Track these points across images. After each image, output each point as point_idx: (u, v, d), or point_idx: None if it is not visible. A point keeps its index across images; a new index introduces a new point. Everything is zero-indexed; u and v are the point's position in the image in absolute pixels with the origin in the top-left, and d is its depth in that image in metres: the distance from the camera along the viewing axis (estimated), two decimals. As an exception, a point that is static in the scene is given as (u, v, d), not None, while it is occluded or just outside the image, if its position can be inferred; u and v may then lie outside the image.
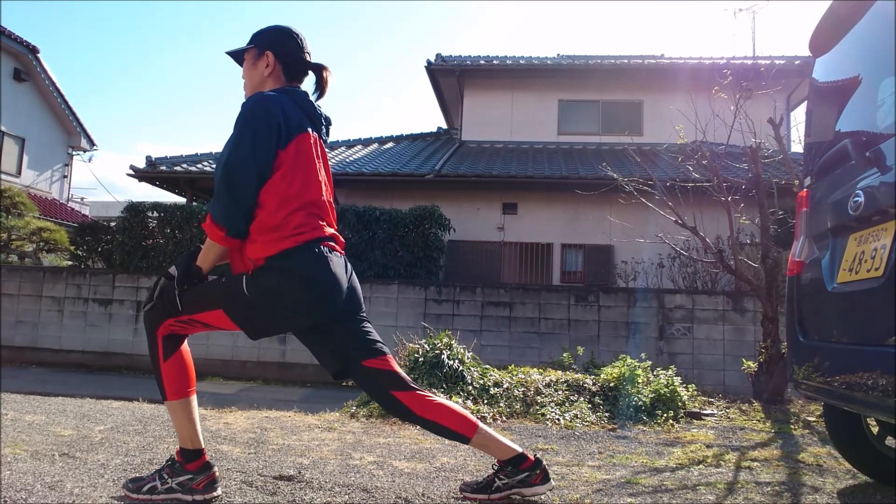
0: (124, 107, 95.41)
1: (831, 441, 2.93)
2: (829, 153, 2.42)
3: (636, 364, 4.77)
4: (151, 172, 11.61)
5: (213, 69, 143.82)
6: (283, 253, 1.97)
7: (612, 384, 4.59)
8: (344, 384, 5.60)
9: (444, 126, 15.80)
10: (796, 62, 11.28)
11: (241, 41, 2.33)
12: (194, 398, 2.15)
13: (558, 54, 14.57)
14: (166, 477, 2.08)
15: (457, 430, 2.10)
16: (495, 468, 2.19)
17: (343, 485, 2.38)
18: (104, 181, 71.54)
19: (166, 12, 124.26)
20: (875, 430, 2.70)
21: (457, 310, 8.87)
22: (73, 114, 17.54)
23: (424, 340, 4.96)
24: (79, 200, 20.78)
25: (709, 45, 67.98)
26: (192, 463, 2.09)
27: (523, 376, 4.77)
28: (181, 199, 12.51)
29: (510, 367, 5.12)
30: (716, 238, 7.58)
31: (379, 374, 2.11)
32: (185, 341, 2.16)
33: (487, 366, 4.94)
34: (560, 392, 4.50)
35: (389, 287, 8.92)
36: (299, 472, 2.51)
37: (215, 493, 2.11)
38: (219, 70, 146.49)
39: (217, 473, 2.14)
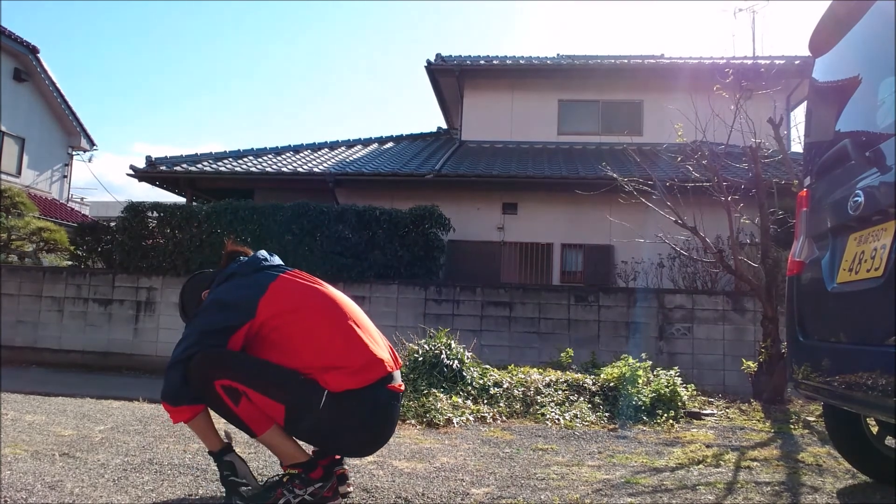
0: (120, 107, 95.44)
1: (831, 441, 2.93)
2: (829, 153, 2.42)
3: (637, 364, 4.77)
4: (151, 172, 11.60)
5: (210, 69, 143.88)
6: (354, 392, 2.02)
7: (612, 384, 4.59)
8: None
9: (444, 126, 15.80)
10: (796, 62, 11.27)
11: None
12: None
13: (558, 54, 14.56)
14: (297, 491, 2.04)
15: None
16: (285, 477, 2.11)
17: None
18: (101, 181, 71.54)
19: (165, 13, 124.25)
20: (875, 430, 2.70)
21: (457, 310, 8.86)
22: (73, 114, 17.54)
23: (424, 340, 4.96)
24: (79, 200, 20.77)
25: (709, 45, 67.97)
26: (314, 471, 2.08)
27: (523, 376, 4.77)
28: (181, 199, 12.51)
29: (510, 367, 5.12)
30: (716, 238, 7.57)
31: None
32: None
33: (487, 366, 4.94)
34: (560, 392, 4.50)
35: (389, 287, 8.92)
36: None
37: (340, 499, 2.14)
38: (216, 70, 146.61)
39: (336, 481, 2.15)
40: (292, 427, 2.06)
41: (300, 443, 2.15)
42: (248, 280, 2.13)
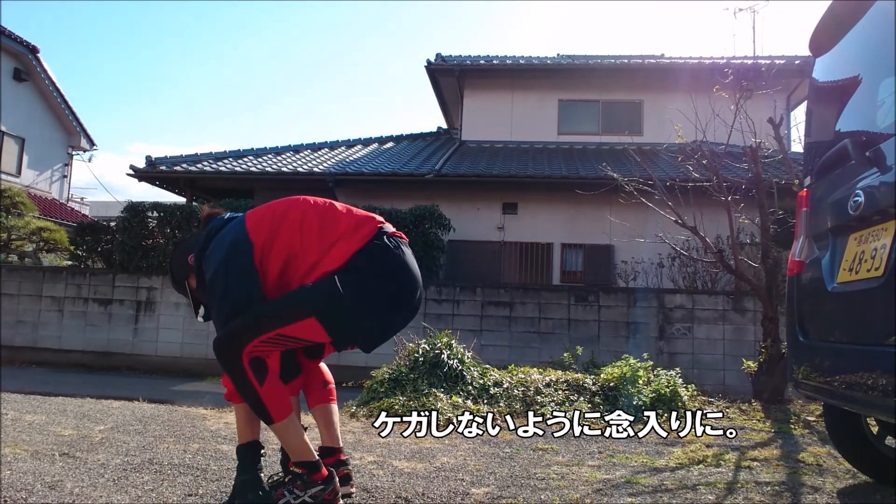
0: (120, 107, 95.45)
1: (831, 441, 2.93)
2: (829, 153, 2.42)
3: (638, 364, 4.77)
4: (151, 172, 11.61)
5: (210, 69, 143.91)
6: (361, 250, 2.03)
7: (612, 384, 4.59)
8: (344, 384, 5.59)
9: (444, 126, 15.80)
10: (796, 62, 11.27)
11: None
12: (295, 412, 2.11)
13: (558, 54, 14.57)
14: (298, 492, 2.02)
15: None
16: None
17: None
18: (101, 181, 71.52)
19: (166, 13, 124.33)
20: (875, 430, 2.70)
21: (457, 310, 8.87)
22: (73, 114, 17.53)
23: (424, 340, 4.96)
24: (79, 200, 20.77)
25: (709, 45, 67.98)
26: (318, 473, 2.06)
27: (523, 376, 4.77)
28: (181, 199, 12.52)
29: (510, 367, 5.12)
30: (716, 238, 7.57)
31: None
32: None
33: (487, 365, 4.94)
34: (560, 392, 4.50)
35: (389, 287, 8.93)
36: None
37: (341, 501, 2.13)
38: (217, 70, 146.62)
39: (338, 484, 2.11)
40: (338, 336, 2.05)
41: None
42: (226, 229, 2.15)
